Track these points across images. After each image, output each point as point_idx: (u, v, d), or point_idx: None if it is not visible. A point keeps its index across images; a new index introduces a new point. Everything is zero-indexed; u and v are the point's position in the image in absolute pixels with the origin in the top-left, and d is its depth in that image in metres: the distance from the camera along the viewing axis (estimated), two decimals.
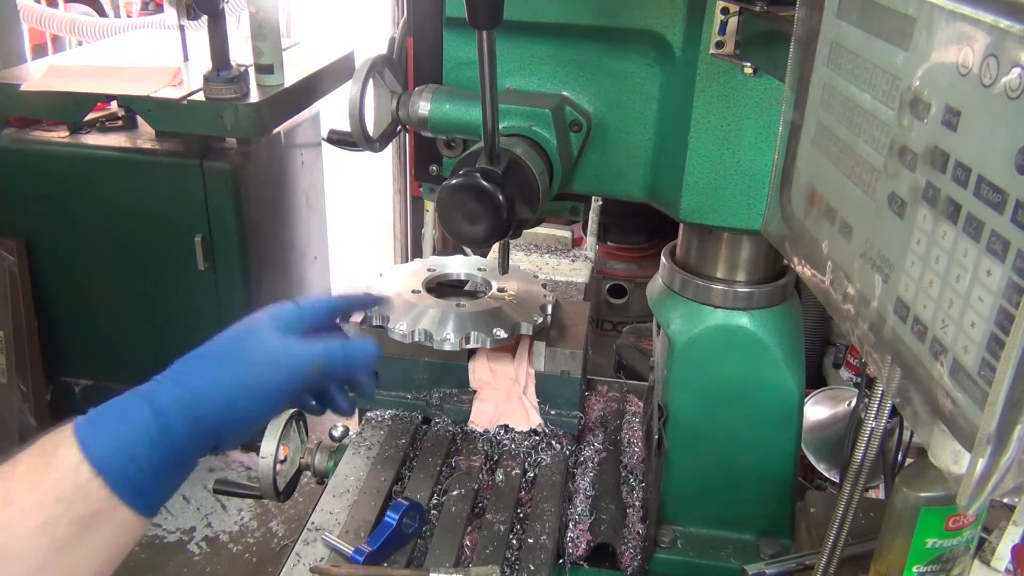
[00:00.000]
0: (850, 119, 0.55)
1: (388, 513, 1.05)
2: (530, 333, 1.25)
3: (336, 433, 1.27)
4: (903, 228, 0.48)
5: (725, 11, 0.89)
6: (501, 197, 0.88)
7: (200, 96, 2.47)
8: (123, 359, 2.83)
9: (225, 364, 0.73)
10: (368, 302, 0.99)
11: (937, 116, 0.45)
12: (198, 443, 0.70)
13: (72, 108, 2.55)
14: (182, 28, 2.75)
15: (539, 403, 1.28)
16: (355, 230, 4.14)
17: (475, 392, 1.28)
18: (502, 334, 1.21)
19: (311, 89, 2.82)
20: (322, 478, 1.25)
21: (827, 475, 1.55)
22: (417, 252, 3.37)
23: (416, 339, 1.20)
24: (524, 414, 1.26)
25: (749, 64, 0.91)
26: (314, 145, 3.15)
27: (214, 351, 0.75)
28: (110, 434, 0.66)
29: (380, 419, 1.30)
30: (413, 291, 1.28)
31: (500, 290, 1.31)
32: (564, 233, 2.60)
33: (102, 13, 4.17)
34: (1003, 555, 0.90)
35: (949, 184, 0.44)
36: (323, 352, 0.77)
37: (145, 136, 2.68)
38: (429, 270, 1.36)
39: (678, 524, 1.17)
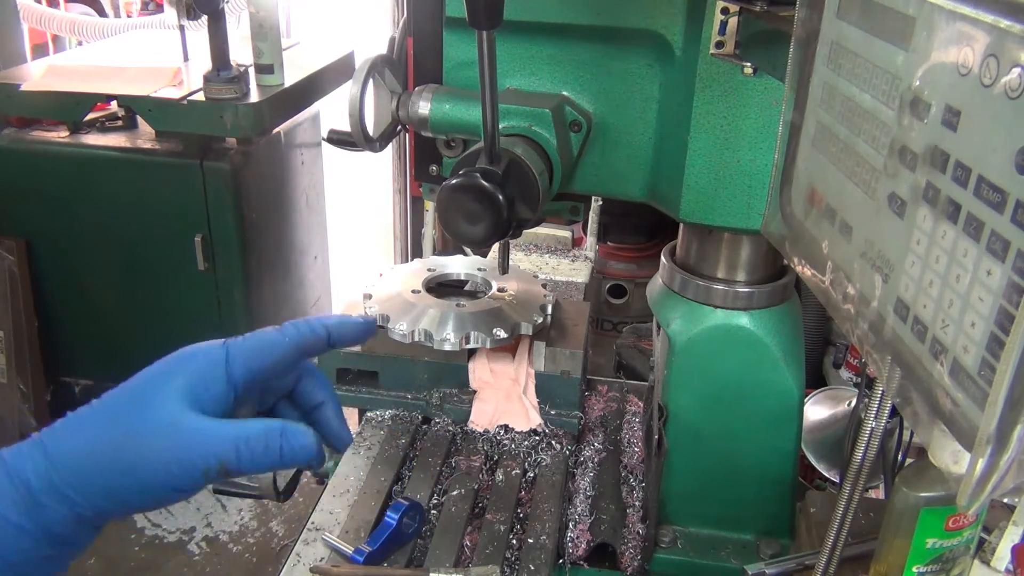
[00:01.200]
0: (850, 119, 0.55)
1: (388, 513, 1.05)
2: (530, 333, 1.25)
3: None
4: (903, 228, 0.48)
5: (725, 11, 0.89)
6: (501, 197, 0.88)
7: (200, 96, 2.47)
8: (123, 359, 2.80)
9: (104, 442, 0.58)
10: (324, 343, 0.68)
11: (937, 116, 0.45)
12: (78, 527, 0.59)
13: (72, 108, 2.55)
14: (182, 28, 2.75)
15: (539, 403, 1.28)
16: (355, 230, 4.14)
17: (475, 392, 1.28)
18: (502, 334, 1.21)
19: (311, 89, 2.82)
20: (322, 478, 1.25)
21: (827, 475, 1.55)
22: (417, 252, 3.37)
23: (416, 339, 1.20)
24: (524, 414, 1.26)
25: (749, 64, 0.91)
26: (314, 145, 3.15)
27: (96, 418, 0.60)
28: None
29: (380, 419, 1.30)
30: (413, 291, 1.28)
31: (500, 290, 1.31)
32: (564, 233, 2.60)
33: (102, 13, 4.18)
34: (1003, 555, 0.90)
35: (949, 184, 0.44)
36: (232, 450, 0.59)
37: (145, 136, 2.68)
38: (429, 270, 1.37)
39: (678, 524, 1.17)
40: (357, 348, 1.30)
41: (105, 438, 0.59)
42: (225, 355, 0.63)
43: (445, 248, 2.93)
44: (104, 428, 0.59)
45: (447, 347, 1.19)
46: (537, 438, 1.25)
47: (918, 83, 0.47)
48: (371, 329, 0.72)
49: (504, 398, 1.27)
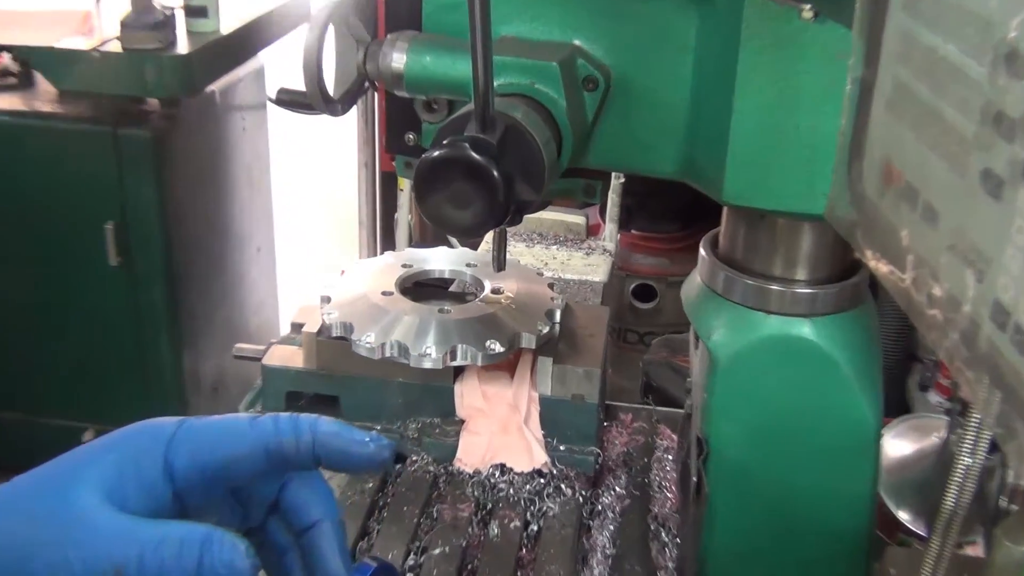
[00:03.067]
0: (933, 76, 0.56)
1: None
2: (533, 347, 1.26)
3: None
4: (1000, 213, 0.49)
5: None
6: (496, 173, 0.88)
7: (115, 46, 2.48)
8: (19, 378, 2.82)
9: (4, 526, 0.58)
10: (308, 454, 0.68)
11: None
12: None
13: None
14: None
15: (545, 436, 1.28)
16: (309, 215, 4.15)
17: (463, 422, 1.29)
18: (497, 348, 1.21)
19: (255, 37, 2.84)
20: None
21: (911, 527, 1.55)
22: (389, 243, 3.38)
23: (387, 354, 1.20)
24: (525, 450, 1.27)
25: (809, 6, 0.92)
26: (258, 108, 3.16)
27: (13, 494, 0.61)
28: None
29: None
30: (384, 292, 1.29)
31: (495, 291, 1.32)
32: (577, 219, 2.60)
33: None
34: None
35: None
36: (135, 557, 0.57)
37: (45, 97, 2.68)
38: (404, 266, 1.37)
39: None
40: (311, 366, 1.30)
41: (7, 521, 0.58)
42: (171, 436, 0.62)
43: (424, 238, 2.94)
44: (10, 508, 0.59)
45: (427, 364, 1.20)
46: (542, 481, 1.25)
47: (1015, 33, 0.48)
48: (384, 458, 0.69)
49: (500, 430, 1.28)
